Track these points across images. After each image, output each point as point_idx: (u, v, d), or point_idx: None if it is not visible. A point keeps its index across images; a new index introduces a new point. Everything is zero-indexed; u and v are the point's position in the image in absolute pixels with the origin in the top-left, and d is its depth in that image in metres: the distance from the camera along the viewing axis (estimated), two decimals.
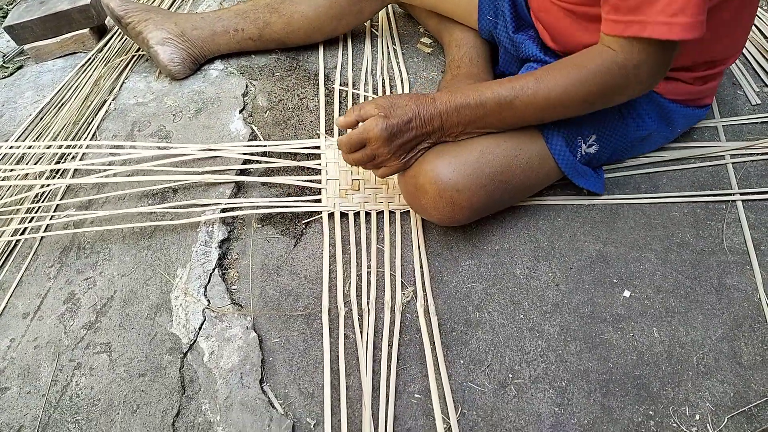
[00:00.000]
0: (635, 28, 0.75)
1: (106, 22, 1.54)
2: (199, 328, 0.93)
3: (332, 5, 1.26)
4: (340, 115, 1.23)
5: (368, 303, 0.94)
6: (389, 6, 1.49)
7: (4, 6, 1.78)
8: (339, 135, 1.16)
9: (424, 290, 0.96)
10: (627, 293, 0.95)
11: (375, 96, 1.27)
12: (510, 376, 0.87)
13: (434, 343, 0.89)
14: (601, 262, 0.98)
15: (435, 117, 0.87)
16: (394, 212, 1.06)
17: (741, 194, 1.05)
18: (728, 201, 1.05)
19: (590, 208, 1.05)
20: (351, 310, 0.94)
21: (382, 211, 1.06)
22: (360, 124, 0.88)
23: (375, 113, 0.86)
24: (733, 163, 1.10)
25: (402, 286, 0.97)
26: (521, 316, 0.93)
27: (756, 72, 1.29)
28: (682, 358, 0.87)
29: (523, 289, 0.96)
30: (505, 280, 0.97)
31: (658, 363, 0.87)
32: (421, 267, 0.98)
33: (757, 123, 1.17)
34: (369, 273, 0.99)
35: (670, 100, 0.97)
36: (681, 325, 0.91)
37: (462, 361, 0.88)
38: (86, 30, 1.50)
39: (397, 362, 0.88)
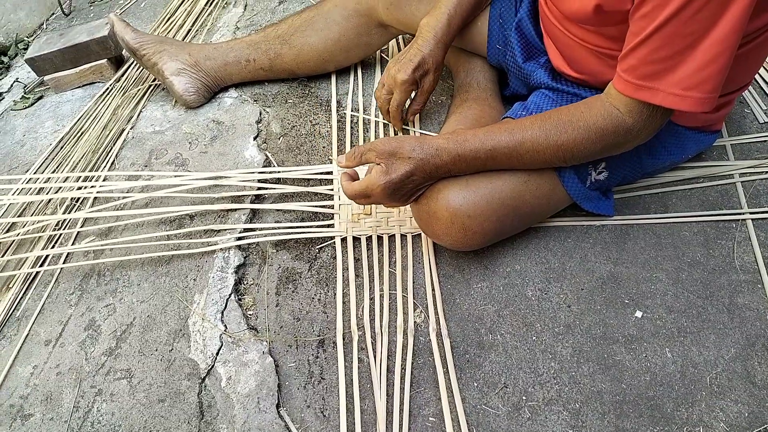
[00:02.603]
0: (646, 93, 0.75)
1: (123, 52, 1.58)
2: (217, 354, 0.95)
3: (341, 38, 1.29)
4: (344, 150, 1.25)
5: (381, 327, 0.96)
6: None
7: (25, 38, 1.83)
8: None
9: (436, 313, 0.97)
10: (639, 314, 0.95)
11: (387, 122, 1.30)
12: (524, 398, 0.87)
13: (447, 366, 0.90)
14: (612, 283, 0.99)
15: (441, 167, 0.87)
16: (406, 235, 1.08)
17: (751, 213, 1.05)
18: (738, 220, 1.05)
19: (600, 229, 1.06)
20: (364, 334, 0.95)
21: (394, 235, 1.08)
22: (361, 168, 0.91)
23: (375, 161, 0.87)
24: (742, 182, 1.10)
25: (414, 309, 0.98)
26: (534, 337, 0.94)
27: (763, 90, 1.29)
28: (695, 378, 0.87)
29: (535, 311, 0.97)
30: (517, 302, 0.98)
31: (671, 383, 0.87)
32: (433, 290, 1.00)
33: (765, 141, 1.17)
34: (382, 297, 1.00)
35: (682, 126, 0.98)
36: (693, 345, 0.91)
37: (475, 384, 0.89)
38: (104, 60, 1.54)
39: (411, 385, 0.89)
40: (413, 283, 1.02)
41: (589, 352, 0.91)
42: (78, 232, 1.16)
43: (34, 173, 1.31)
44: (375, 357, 0.92)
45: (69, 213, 1.18)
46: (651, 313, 0.95)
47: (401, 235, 1.08)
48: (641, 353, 0.91)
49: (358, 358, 0.93)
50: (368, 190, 0.88)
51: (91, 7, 1.98)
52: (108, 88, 1.52)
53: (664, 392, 0.86)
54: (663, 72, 0.73)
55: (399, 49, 1.49)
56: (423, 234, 1.06)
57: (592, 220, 1.06)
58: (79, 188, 1.22)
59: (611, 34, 0.84)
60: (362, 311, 0.98)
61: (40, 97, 1.59)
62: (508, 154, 0.87)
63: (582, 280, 1.00)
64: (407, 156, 0.86)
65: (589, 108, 0.83)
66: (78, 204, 1.22)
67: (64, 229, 1.17)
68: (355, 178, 0.93)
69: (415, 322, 0.97)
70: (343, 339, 0.95)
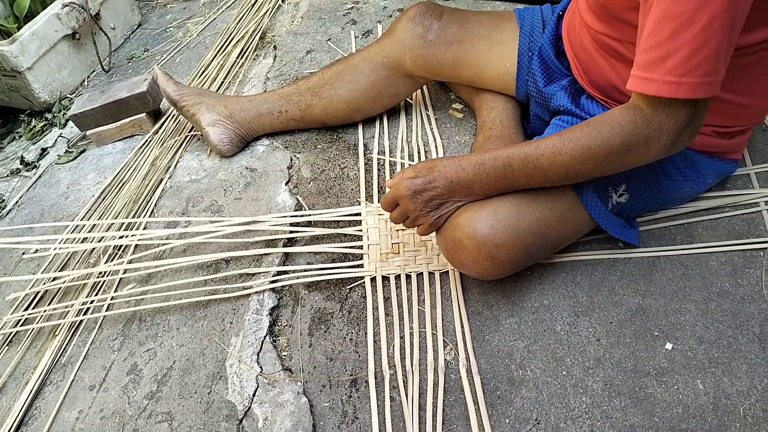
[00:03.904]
0: (641, 85, 0.76)
1: (161, 105, 1.67)
2: (253, 395, 0.98)
3: (368, 90, 1.34)
4: (371, 192, 1.30)
5: (412, 365, 0.98)
6: None
7: (68, 95, 1.94)
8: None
9: (466, 350, 0.98)
10: (669, 345, 0.95)
11: (411, 162, 1.34)
12: None
13: (478, 402, 0.92)
14: (641, 315, 0.99)
15: (462, 178, 0.91)
16: (434, 273, 1.10)
17: None
18: (766, 248, 1.05)
19: (627, 262, 1.07)
20: (396, 372, 0.97)
21: (422, 273, 1.10)
22: None
23: (411, 175, 0.93)
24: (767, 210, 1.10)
25: (444, 347, 1.00)
26: (564, 372, 0.94)
27: None
28: (728, 409, 0.87)
29: (564, 345, 0.98)
30: (546, 337, 0.99)
31: (704, 416, 0.87)
32: (463, 327, 1.01)
33: None
34: (412, 335, 1.02)
35: (693, 150, 0.99)
36: (725, 376, 0.90)
37: (507, 420, 0.90)
38: (143, 114, 1.62)
39: (443, 424, 0.90)
40: (442, 320, 1.03)
41: (621, 386, 0.92)
42: (120, 279, 1.22)
43: (79, 223, 1.38)
44: (407, 395, 0.94)
45: (111, 261, 1.24)
46: (681, 345, 0.95)
47: (429, 273, 1.10)
48: (672, 385, 0.90)
49: (390, 396, 0.95)
50: (396, 191, 0.95)
51: (130, 64, 2.08)
52: (147, 141, 1.59)
53: (697, 425, 0.86)
54: (658, 60, 0.74)
55: (421, 89, 1.53)
56: (450, 271, 1.09)
57: (618, 253, 1.07)
58: (121, 237, 1.28)
59: (626, 19, 0.86)
60: (393, 350, 1.01)
61: (83, 151, 1.67)
62: (524, 159, 0.87)
63: (610, 313, 1.00)
64: (434, 166, 0.93)
65: (608, 112, 0.84)
66: (120, 251, 1.27)
67: (107, 277, 1.22)
68: None
69: (445, 359, 0.98)
70: (375, 378, 0.97)
